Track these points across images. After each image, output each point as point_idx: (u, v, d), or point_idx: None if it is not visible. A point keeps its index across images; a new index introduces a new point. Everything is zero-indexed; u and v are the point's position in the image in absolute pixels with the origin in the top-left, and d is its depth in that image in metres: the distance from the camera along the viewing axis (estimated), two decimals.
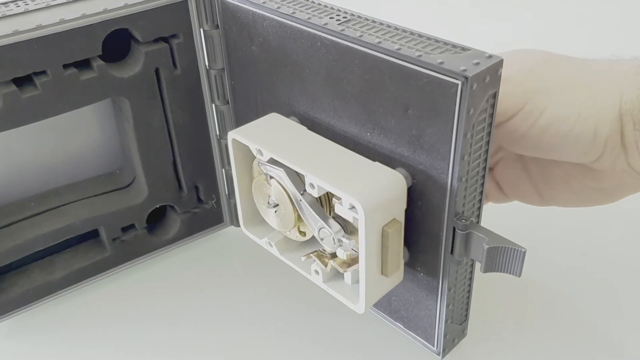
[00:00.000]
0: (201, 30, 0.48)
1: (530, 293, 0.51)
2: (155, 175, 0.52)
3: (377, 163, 0.39)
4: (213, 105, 0.51)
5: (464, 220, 0.37)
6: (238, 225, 0.56)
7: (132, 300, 0.53)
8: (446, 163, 0.36)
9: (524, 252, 0.36)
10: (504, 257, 0.37)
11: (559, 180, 0.43)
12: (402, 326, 0.46)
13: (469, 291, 0.43)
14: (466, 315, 0.44)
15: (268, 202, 0.43)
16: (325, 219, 0.40)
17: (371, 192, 0.37)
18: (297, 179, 0.40)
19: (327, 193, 0.40)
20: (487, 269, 0.37)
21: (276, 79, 0.44)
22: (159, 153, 0.51)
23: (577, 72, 0.40)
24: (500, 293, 0.51)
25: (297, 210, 0.41)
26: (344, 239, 0.39)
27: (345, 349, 0.47)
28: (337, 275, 0.42)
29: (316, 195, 0.39)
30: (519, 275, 0.37)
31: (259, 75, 0.46)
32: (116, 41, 0.46)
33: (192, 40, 0.48)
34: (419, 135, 0.37)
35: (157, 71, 0.48)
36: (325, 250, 0.42)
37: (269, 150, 0.40)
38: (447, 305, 0.41)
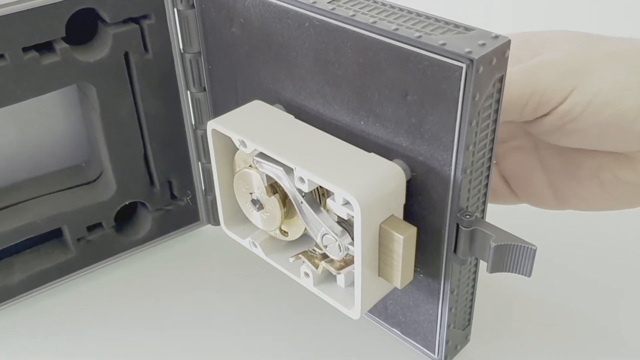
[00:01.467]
0: (175, 10, 0.45)
1: (536, 296, 0.49)
2: (125, 169, 0.49)
3: (372, 154, 0.36)
4: (188, 92, 0.49)
5: (468, 216, 0.35)
6: (216, 223, 0.55)
7: (99, 305, 0.50)
8: (449, 154, 0.33)
9: (535, 250, 0.33)
10: (513, 255, 0.34)
11: (588, 174, 0.40)
12: (399, 332, 0.43)
13: (473, 293, 0.40)
14: (469, 320, 0.42)
15: (252, 200, 0.40)
16: (330, 224, 0.36)
17: (367, 185, 0.34)
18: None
19: (317, 190, 0.38)
20: (494, 268, 0.35)
21: (259, 64, 0.42)
22: (129, 144, 0.49)
23: (627, 48, 0.37)
24: (503, 296, 0.49)
25: (284, 208, 0.39)
26: (350, 247, 0.36)
27: (336, 359, 0.45)
28: (329, 277, 0.39)
29: (306, 190, 0.36)
30: (529, 275, 0.34)
31: (240, 59, 0.43)
32: (81, 22, 0.44)
33: (165, 21, 0.46)
34: (419, 124, 0.34)
35: (126, 55, 0.45)
36: (315, 250, 0.39)
37: (254, 142, 0.37)
38: (450, 309, 0.39)
